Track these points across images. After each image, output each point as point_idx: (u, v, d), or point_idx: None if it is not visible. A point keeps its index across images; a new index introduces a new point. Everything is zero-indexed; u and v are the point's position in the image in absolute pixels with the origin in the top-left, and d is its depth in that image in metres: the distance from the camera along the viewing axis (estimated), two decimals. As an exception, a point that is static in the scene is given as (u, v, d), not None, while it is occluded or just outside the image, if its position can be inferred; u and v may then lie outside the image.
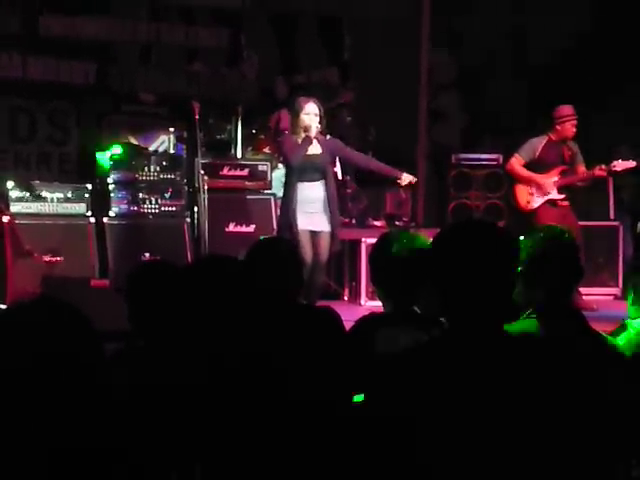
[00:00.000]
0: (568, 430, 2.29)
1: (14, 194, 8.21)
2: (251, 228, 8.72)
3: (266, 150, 9.35)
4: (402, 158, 9.82)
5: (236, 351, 2.77)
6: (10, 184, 8.26)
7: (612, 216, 9.74)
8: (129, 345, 3.38)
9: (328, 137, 7.24)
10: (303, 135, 6.96)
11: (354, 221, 9.39)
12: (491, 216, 9.82)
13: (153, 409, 2.59)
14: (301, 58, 10.62)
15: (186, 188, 8.71)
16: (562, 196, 8.28)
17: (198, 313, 2.95)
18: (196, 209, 8.52)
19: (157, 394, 2.71)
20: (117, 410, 2.27)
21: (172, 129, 9.17)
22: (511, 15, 10.70)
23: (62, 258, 8.03)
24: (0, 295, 7.58)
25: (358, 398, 3.16)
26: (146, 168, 8.62)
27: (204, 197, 8.19)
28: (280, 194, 7.58)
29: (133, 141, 9.14)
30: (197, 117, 8.24)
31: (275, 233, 7.38)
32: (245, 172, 8.96)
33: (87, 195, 8.41)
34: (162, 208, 8.61)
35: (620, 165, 8.20)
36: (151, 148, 9.10)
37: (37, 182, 8.39)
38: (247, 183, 8.94)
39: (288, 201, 6.98)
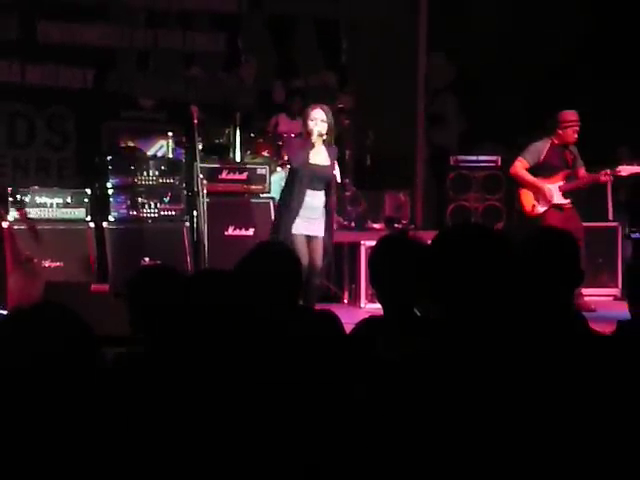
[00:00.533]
0: (568, 430, 2.30)
1: (13, 200, 8.20)
2: (250, 231, 8.72)
3: (265, 154, 9.34)
4: (400, 161, 9.85)
5: (236, 355, 2.77)
6: (9, 190, 8.26)
7: (611, 217, 9.74)
8: (129, 350, 3.38)
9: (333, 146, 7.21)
10: (313, 140, 6.96)
11: (353, 224, 9.38)
12: (490, 218, 9.83)
13: (153, 414, 2.59)
14: (299, 62, 10.64)
15: (185, 192, 8.72)
16: (567, 201, 8.20)
17: (198, 317, 2.95)
18: (195, 213, 8.53)
19: (157, 399, 2.71)
20: (115, 415, 2.28)
21: (171, 134, 9.17)
22: (510, 16, 10.70)
23: (62, 263, 8.03)
24: (0, 300, 7.60)
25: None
26: (145, 173, 8.63)
27: (203, 201, 8.20)
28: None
29: (132, 146, 9.14)
30: (195, 121, 8.26)
31: (269, 235, 7.36)
32: (244, 176, 8.96)
33: (86, 200, 8.40)
34: (161, 212, 8.61)
35: (626, 170, 8.09)
36: (150, 153, 9.09)
37: (36, 188, 8.39)
38: (246, 187, 8.94)
39: (290, 206, 6.96)
